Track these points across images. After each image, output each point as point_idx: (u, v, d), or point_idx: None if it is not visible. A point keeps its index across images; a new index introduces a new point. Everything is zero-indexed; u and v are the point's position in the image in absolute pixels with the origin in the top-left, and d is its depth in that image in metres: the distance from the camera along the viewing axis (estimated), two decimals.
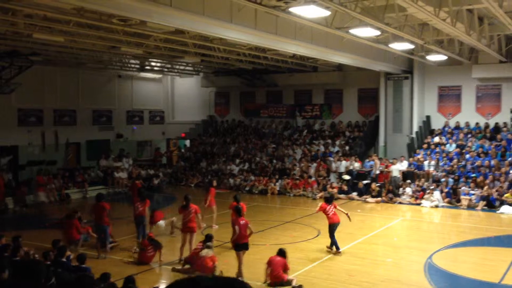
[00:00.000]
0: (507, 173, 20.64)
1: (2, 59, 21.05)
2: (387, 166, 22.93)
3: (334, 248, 12.97)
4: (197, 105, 33.78)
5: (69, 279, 6.40)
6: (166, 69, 29.88)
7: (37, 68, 23.35)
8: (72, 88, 26.92)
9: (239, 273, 10.91)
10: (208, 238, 11.44)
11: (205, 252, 10.94)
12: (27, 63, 21.97)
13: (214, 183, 18.08)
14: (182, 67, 29.45)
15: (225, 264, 11.60)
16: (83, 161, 27.23)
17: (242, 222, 11.13)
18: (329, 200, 13.48)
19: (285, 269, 10.62)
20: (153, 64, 28.50)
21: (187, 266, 11.65)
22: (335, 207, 13.31)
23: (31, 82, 23.61)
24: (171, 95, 34.31)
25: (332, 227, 12.98)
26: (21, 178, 22.74)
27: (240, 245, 11.00)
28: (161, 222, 15.11)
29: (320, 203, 13.66)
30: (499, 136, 23.12)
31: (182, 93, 34.16)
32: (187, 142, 32.72)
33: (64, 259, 8.81)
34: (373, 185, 21.72)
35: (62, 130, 26.16)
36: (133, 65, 28.16)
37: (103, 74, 28.57)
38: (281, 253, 10.77)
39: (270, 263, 10.64)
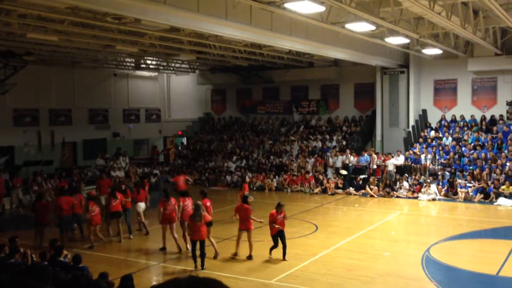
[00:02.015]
0: (503, 165, 20.71)
1: None
2: (384, 160, 22.98)
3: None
4: (193, 102, 33.74)
5: (65, 279, 6.39)
6: (161, 67, 29.82)
7: (32, 68, 23.26)
8: (67, 87, 26.84)
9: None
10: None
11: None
12: (21, 63, 21.89)
13: (247, 179, 18.15)
14: (178, 65, 29.40)
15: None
16: (79, 160, 27.18)
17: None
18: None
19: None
20: (148, 62, 28.44)
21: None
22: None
23: (26, 82, 23.53)
24: (167, 93, 34.26)
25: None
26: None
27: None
28: (142, 204, 15.39)
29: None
30: (495, 129, 23.18)
31: (178, 91, 34.11)
32: (184, 140, 32.70)
33: (61, 259, 8.80)
34: (372, 179, 21.77)
35: (58, 130, 26.10)
36: (128, 64, 28.09)
37: (98, 72, 28.50)
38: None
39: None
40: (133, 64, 28.41)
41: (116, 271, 10.25)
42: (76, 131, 27.05)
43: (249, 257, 12.32)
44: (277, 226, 12.09)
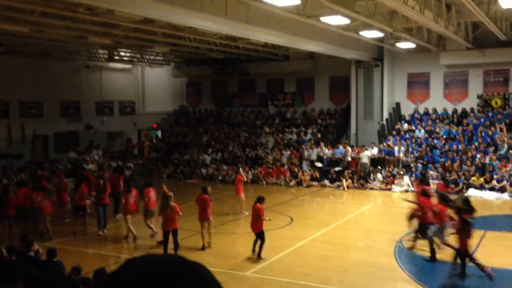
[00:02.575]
0: (473, 157, 21.17)
1: None
2: (358, 153, 23.24)
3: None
4: (168, 95, 33.45)
5: (37, 274, 6.27)
6: (136, 59, 29.44)
7: (2, 59, 22.69)
8: (38, 79, 26.25)
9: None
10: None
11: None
12: None
13: (241, 171, 18.21)
14: (152, 57, 29.08)
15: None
16: (51, 154, 26.68)
17: None
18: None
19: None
20: (122, 54, 28.02)
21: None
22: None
23: None
24: (141, 85, 33.88)
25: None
26: None
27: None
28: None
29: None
30: (465, 121, 23.66)
31: (153, 83, 33.77)
32: (159, 133, 32.43)
33: (32, 253, 8.63)
34: (346, 172, 21.98)
35: (29, 123, 25.56)
36: (101, 55, 27.64)
37: (70, 64, 27.97)
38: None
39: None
40: (106, 56, 27.95)
41: (90, 265, 10.13)
42: (47, 124, 26.52)
43: (203, 248, 12.35)
44: (268, 219, 11.93)
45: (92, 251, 12.84)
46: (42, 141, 26.77)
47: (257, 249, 11.59)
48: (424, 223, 11.46)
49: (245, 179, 17.55)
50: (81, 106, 29.09)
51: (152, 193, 13.78)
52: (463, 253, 9.90)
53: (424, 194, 12.02)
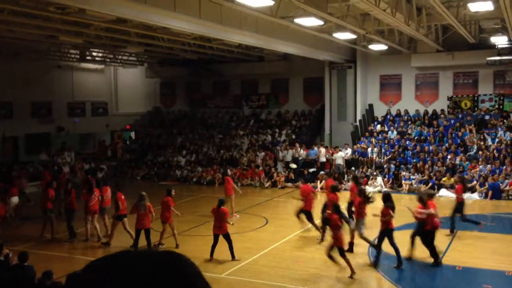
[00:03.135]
0: (444, 158, 21.58)
1: None
2: (332, 154, 23.42)
3: None
4: (142, 96, 33.11)
5: (4, 278, 6.10)
6: (108, 60, 29.04)
7: None
8: (7, 79, 25.61)
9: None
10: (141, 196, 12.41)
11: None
12: None
13: (229, 172, 18.21)
14: (125, 57, 28.73)
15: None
16: (21, 155, 26.08)
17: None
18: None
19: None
20: (94, 54, 27.60)
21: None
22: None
23: None
24: (114, 86, 33.41)
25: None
26: None
27: None
28: (15, 199, 15.95)
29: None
30: (436, 123, 24.10)
31: (126, 84, 33.36)
32: (133, 134, 32.05)
33: (1, 258, 8.41)
34: (320, 174, 22.08)
35: None
36: (73, 55, 27.17)
37: (41, 64, 27.38)
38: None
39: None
40: (78, 56, 27.49)
41: (64, 269, 9.92)
42: (17, 125, 25.91)
43: (159, 244, 12.69)
44: (231, 223, 12.08)
45: (63, 255, 12.58)
46: (12, 142, 26.13)
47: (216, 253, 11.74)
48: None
49: (236, 188, 17.27)
50: (53, 106, 28.52)
51: (108, 193, 14.11)
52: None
53: (333, 190, 13.57)
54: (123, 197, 13.22)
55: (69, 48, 24.99)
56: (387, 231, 10.99)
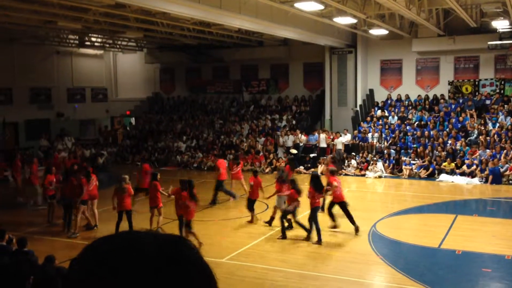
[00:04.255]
0: (445, 143, 21.57)
1: None
2: (333, 139, 23.41)
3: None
4: (141, 81, 32.98)
5: (6, 264, 6.12)
6: (107, 45, 28.88)
7: None
8: (6, 65, 25.51)
9: None
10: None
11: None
12: None
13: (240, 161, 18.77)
14: (124, 43, 28.57)
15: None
16: (21, 141, 26.09)
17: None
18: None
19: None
20: (93, 39, 27.45)
21: None
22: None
23: None
24: (113, 71, 33.28)
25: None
26: None
27: None
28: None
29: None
30: (437, 108, 24.04)
31: (126, 70, 33.22)
32: (133, 120, 32.00)
33: (4, 243, 8.45)
34: (321, 159, 22.10)
35: None
36: (72, 41, 27.01)
37: (39, 50, 27.23)
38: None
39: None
40: (77, 42, 27.33)
41: (66, 255, 9.98)
42: (17, 111, 25.86)
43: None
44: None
45: (64, 240, 12.64)
46: (12, 128, 26.12)
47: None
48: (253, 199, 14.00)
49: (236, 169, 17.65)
50: (52, 93, 28.45)
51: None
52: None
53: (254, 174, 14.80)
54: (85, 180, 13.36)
55: (68, 33, 24.84)
56: (315, 209, 11.93)
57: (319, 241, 11.64)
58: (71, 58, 29.78)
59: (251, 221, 13.82)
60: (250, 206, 13.96)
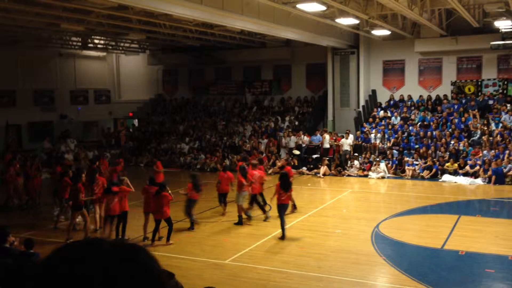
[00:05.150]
0: (447, 143, 21.54)
1: None
2: (336, 140, 23.40)
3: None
4: (144, 83, 33.06)
5: (7, 265, 6.13)
6: (110, 47, 28.96)
7: None
8: (10, 67, 25.62)
9: None
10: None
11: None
12: None
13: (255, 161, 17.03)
14: (127, 45, 28.64)
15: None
16: (25, 144, 26.17)
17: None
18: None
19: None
20: (96, 41, 27.53)
21: None
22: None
23: None
24: (116, 73, 33.38)
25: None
26: None
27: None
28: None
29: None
30: (439, 108, 24.01)
31: (128, 72, 33.31)
32: (135, 122, 32.07)
33: (7, 245, 8.46)
34: (324, 160, 22.11)
35: (1, 112, 24.97)
36: (75, 43, 27.09)
37: (43, 52, 27.34)
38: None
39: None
40: (80, 44, 27.41)
41: None
42: (20, 113, 25.96)
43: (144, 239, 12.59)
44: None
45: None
46: (15, 130, 26.20)
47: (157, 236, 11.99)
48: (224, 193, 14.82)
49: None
50: (55, 95, 28.55)
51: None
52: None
53: (225, 169, 15.70)
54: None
55: (71, 35, 24.92)
56: (280, 206, 12.25)
57: (283, 237, 12.08)
58: (74, 60, 29.88)
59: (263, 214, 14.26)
60: (255, 201, 14.38)
